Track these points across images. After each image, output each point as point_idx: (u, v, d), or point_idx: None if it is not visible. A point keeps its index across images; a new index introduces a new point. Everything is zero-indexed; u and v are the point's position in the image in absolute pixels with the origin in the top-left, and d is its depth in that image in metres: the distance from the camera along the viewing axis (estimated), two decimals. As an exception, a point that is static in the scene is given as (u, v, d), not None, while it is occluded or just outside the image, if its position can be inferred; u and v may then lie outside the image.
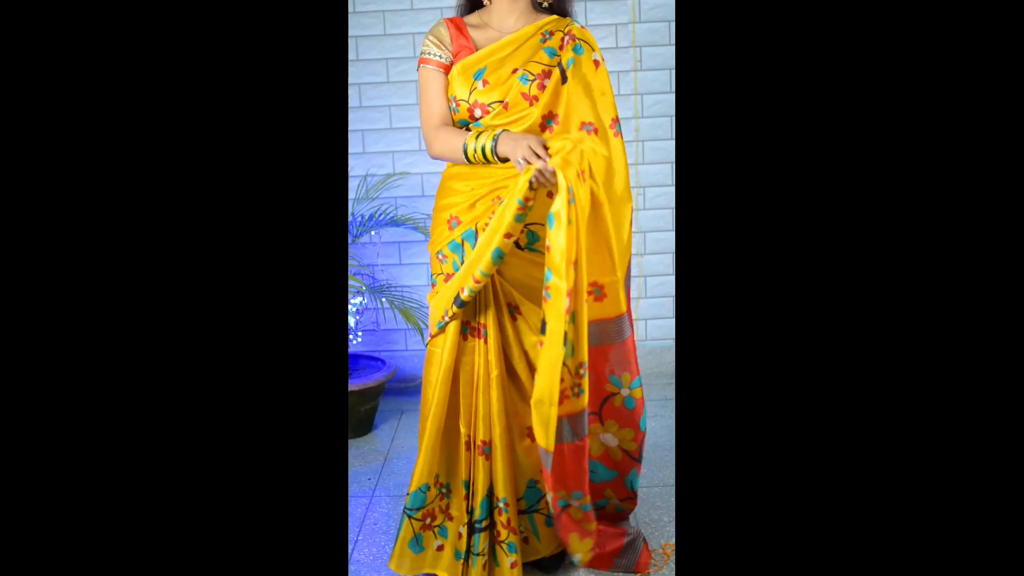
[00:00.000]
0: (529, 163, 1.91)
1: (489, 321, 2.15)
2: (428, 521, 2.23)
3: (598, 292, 2.05)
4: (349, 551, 2.50)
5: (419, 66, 2.17)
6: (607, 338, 2.10)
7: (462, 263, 2.11)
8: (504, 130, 2.04)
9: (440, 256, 2.18)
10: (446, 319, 2.14)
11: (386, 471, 3.04)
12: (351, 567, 2.42)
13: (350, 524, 2.65)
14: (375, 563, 2.43)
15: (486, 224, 2.07)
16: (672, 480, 2.80)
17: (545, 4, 2.19)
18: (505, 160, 2.03)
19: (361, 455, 3.19)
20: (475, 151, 2.04)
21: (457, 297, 2.10)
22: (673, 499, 2.68)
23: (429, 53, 2.14)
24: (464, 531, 2.21)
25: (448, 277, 2.15)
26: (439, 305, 2.16)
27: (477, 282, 2.06)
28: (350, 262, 3.44)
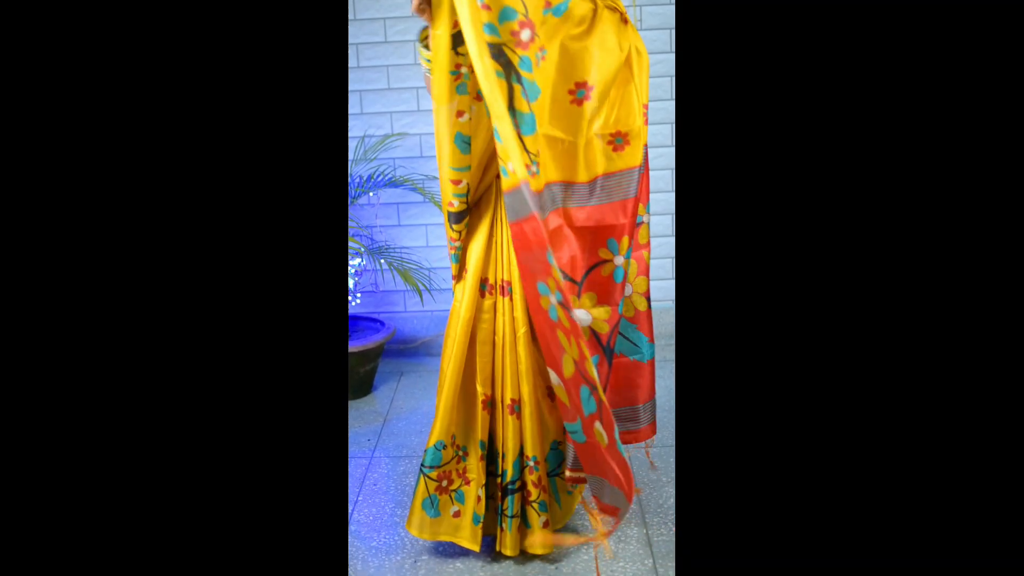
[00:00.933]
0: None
1: (514, 278, 2.13)
2: (444, 484, 2.22)
3: (620, 141, 2.01)
4: (349, 511, 2.52)
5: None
6: (618, 193, 2.04)
7: None
8: None
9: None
10: (455, 245, 2.15)
11: (385, 432, 3.05)
12: (351, 527, 2.44)
13: (349, 485, 2.66)
14: (375, 523, 2.45)
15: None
16: (671, 440, 2.82)
17: None
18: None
19: (360, 416, 3.20)
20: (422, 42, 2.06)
21: (449, 213, 2.10)
22: (672, 460, 2.69)
23: None
24: (482, 494, 2.20)
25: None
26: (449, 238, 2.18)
27: (455, 182, 2.07)
28: (348, 223, 3.43)
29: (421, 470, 2.21)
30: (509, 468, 2.16)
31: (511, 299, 2.14)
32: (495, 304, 2.16)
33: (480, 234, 2.15)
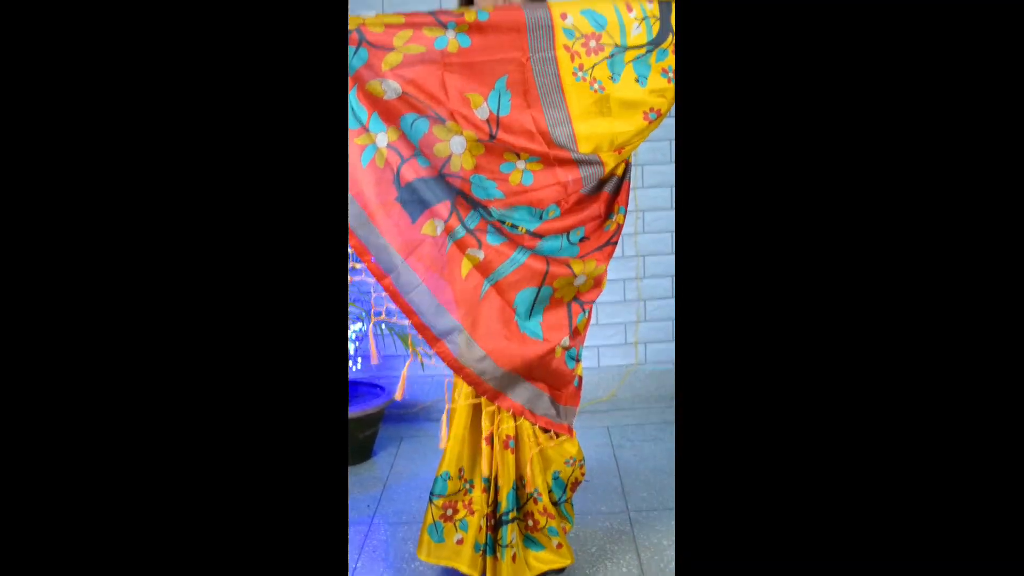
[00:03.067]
0: None
1: None
2: (450, 513, 2.34)
3: None
4: (348, 578, 2.49)
5: None
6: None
7: None
8: None
9: None
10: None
11: (385, 498, 3.03)
12: (349, 594, 2.41)
13: (349, 551, 2.64)
14: (373, 590, 2.42)
15: None
16: (671, 503, 2.80)
17: None
18: None
19: (360, 482, 3.18)
20: None
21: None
22: (672, 523, 2.67)
23: None
24: (484, 524, 2.30)
25: None
26: None
27: None
28: (349, 288, 3.44)
29: (429, 498, 2.35)
30: (503, 500, 2.28)
31: None
32: None
33: None
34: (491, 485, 2.30)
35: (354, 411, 3.28)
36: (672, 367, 3.76)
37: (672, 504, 2.79)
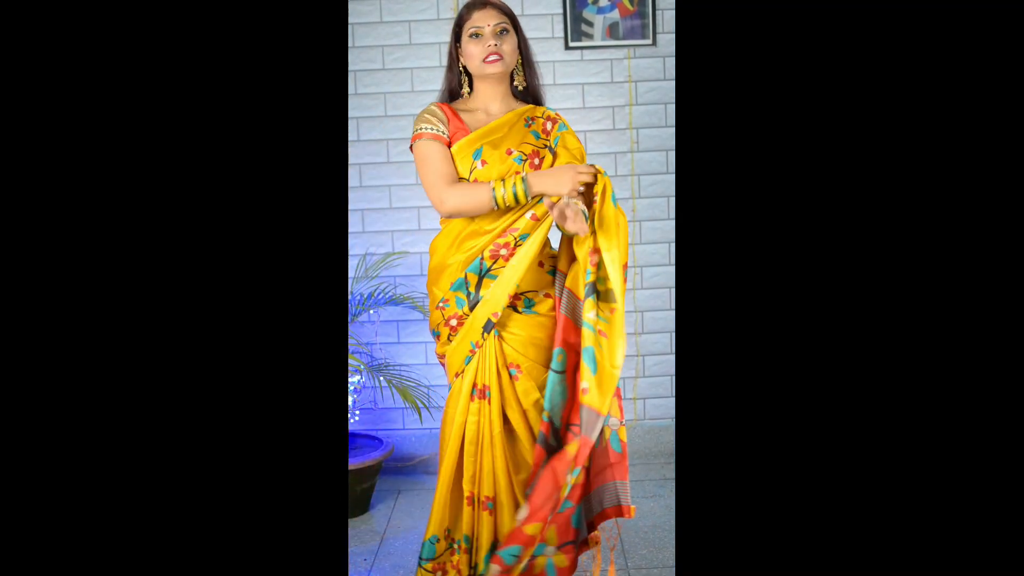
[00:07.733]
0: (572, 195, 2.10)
1: (492, 382, 2.29)
2: (439, 575, 2.35)
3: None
4: (344, 634, 2.46)
5: (415, 141, 2.31)
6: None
7: (467, 298, 2.29)
8: (529, 172, 2.22)
9: (442, 304, 2.34)
10: (474, 347, 2.29)
11: (382, 552, 3.01)
12: (346, 651, 2.38)
13: (345, 606, 2.61)
14: (370, 646, 2.39)
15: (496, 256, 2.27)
16: (672, 561, 2.77)
17: (520, 88, 2.38)
18: (538, 197, 2.21)
19: (357, 535, 3.16)
20: (504, 196, 2.19)
21: (488, 321, 2.27)
22: (673, 581, 2.65)
23: (425, 128, 2.30)
24: None
25: (458, 319, 2.31)
26: (460, 350, 2.31)
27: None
28: (348, 341, 3.44)
29: (419, 562, 2.37)
30: (480, 561, 2.29)
31: (490, 403, 2.29)
32: (479, 407, 2.31)
33: (467, 343, 2.32)
34: (472, 546, 2.32)
35: (352, 463, 3.26)
36: (671, 423, 3.75)
37: (672, 562, 2.76)
